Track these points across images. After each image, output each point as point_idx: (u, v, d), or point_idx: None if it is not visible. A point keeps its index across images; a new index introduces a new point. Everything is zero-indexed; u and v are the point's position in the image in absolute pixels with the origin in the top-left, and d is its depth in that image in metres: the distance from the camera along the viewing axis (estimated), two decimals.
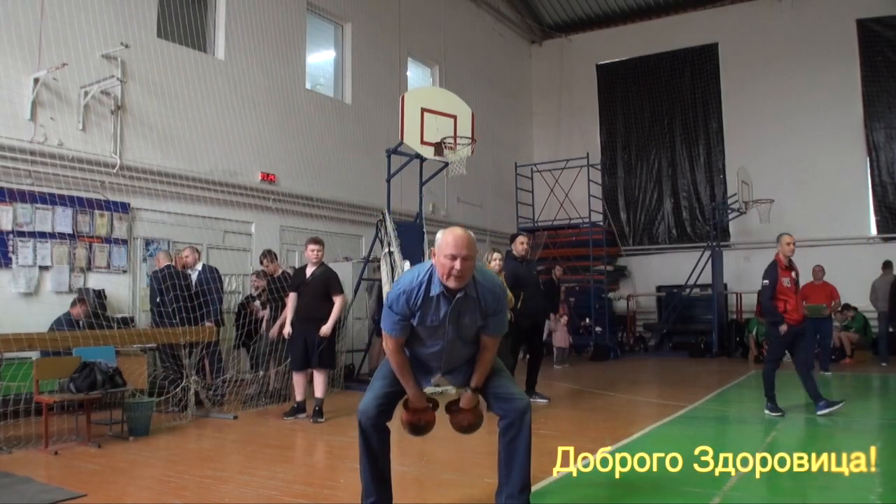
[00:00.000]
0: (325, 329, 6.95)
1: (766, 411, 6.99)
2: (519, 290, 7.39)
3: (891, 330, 12.45)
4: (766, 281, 7.14)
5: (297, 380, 7.23)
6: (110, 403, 6.50)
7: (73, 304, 7.70)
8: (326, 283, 7.16)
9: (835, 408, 6.86)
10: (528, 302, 7.53)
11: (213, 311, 7.99)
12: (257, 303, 8.98)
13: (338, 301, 7.13)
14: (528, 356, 8.24)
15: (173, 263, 8.15)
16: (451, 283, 3.20)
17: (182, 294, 7.65)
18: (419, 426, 3.61)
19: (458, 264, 3.15)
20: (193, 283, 8.14)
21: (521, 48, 18.94)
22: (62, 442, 5.87)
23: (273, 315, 8.35)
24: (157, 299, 7.95)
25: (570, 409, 7.67)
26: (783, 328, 7.01)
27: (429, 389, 8.70)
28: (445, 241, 3.18)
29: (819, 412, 6.85)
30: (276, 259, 8.64)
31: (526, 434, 3.40)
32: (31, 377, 5.91)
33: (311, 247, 7.23)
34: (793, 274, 7.14)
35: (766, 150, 15.83)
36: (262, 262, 8.69)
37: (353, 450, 5.80)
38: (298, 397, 7.23)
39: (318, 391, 7.07)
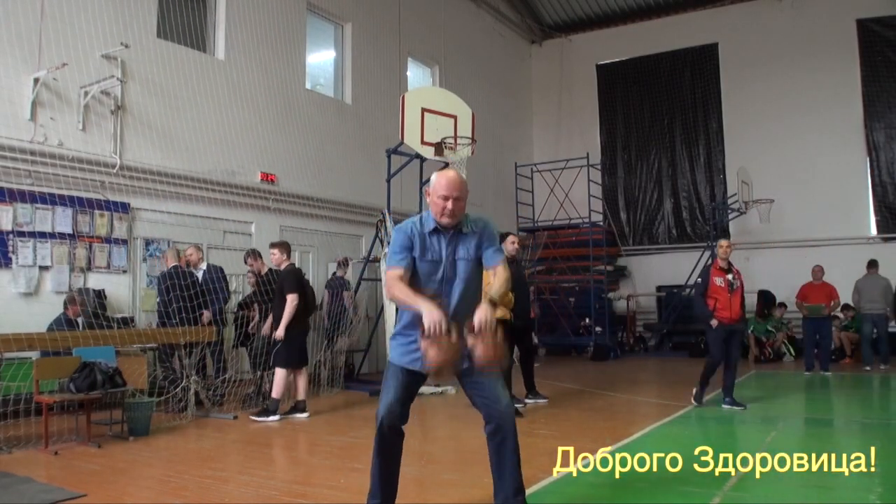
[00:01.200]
0: (278, 333, 7.11)
1: (693, 400, 7.53)
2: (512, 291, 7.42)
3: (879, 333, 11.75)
4: (699, 279, 7.80)
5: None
6: (110, 403, 6.51)
7: (66, 304, 7.68)
8: (281, 283, 7.31)
9: (737, 408, 7.39)
10: (518, 303, 7.57)
11: (216, 309, 8.01)
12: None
13: (288, 300, 7.14)
14: (519, 357, 8.23)
15: (180, 263, 8.13)
16: (444, 221, 3.43)
17: (188, 293, 7.64)
18: (443, 346, 3.12)
19: (450, 204, 3.39)
20: (199, 282, 8.14)
21: (521, 48, 18.94)
22: (62, 442, 5.87)
23: (262, 314, 8.37)
24: (158, 299, 7.94)
25: (570, 409, 7.67)
26: (713, 322, 7.45)
27: (429, 390, 8.70)
28: (439, 182, 3.42)
29: (723, 405, 7.50)
30: (261, 257, 8.63)
31: (512, 438, 3.42)
32: (31, 377, 5.91)
33: (271, 251, 7.59)
34: (729, 276, 7.58)
35: (766, 150, 15.84)
36: (246, 262, 8.70)
37: (354, 450, 5.83)
38: (298, 396, 7.32)
39: (273, 390, 7.15)
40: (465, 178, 3.48)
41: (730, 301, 7.48)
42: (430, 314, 3.15)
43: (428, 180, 3.53)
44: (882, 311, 11.41)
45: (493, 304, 3.29)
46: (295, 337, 7.21)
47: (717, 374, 7.65)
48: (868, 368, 11.24)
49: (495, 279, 3.46)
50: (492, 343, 3.19)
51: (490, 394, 3.43)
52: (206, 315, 7.95)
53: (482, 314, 3.21)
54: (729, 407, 7.43)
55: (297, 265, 11.08)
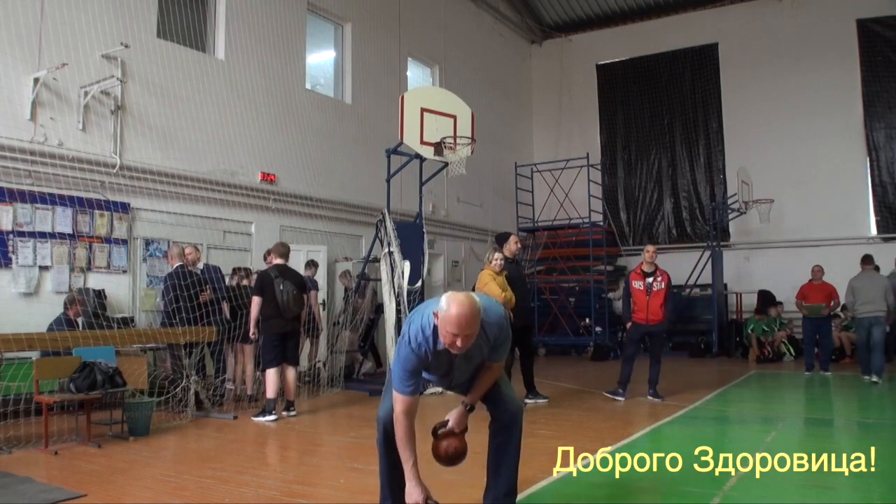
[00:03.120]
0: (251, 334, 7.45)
1: (615, 395, 8.17)
2: (511, 290, 7.49)
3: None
4: (623, 283, 8.43)
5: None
6: (110, 403, 6.51)
7: (67, 305, 7.65)
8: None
9: (657, 400, 8.12)
10: (518, 302, 7.61)
11: (217, 308, 8.02)
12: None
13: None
14: (520, 356, 8.24)
15: (185, 261, 8.09)
16: (454, 351, 3.19)
17: (191, 293, 7.62)
18: (450, 455, 3.43)
19: (460, 342, 3.09)
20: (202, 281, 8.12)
21: (521, 48, 18.94)
22: (62, 442, 5.87)
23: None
24: (158, 298, 7.91)
25: (570, 409, 7.67)
26: (628, 324, 8.36)
27: (429, 390, 8.71)
28: (449, 316, 3.05)
29: (648, 395, 8.28)
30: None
31: (516, 438, 3.43)
32: (31, 377, 5.91)
33: None
34: (648, 280, 8.16)
35: (766, 150, 15.84)
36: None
37: (354, 450, 5.83)
38: (287, 395, 7.43)
39: (266, 390, 7.28)
40: (478, 310, 3.12)
41: (647, 303, 8.09)
42: (412, 493, 3.30)
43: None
44: (880, 312, 9.99)
45: (471, 409, 3.48)
46: (266, 337, 7.32)
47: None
48: (875, 380, 9.68)
49: (484, 377, 3.45)
50: (458, 439, 3.44)
51: (499, 394, 3.47)
52: (205, 295, 7.89)
53: (457, 420, 3.44)
54: (651, 398, 8.14)
55: (299, 265, 11.13)
